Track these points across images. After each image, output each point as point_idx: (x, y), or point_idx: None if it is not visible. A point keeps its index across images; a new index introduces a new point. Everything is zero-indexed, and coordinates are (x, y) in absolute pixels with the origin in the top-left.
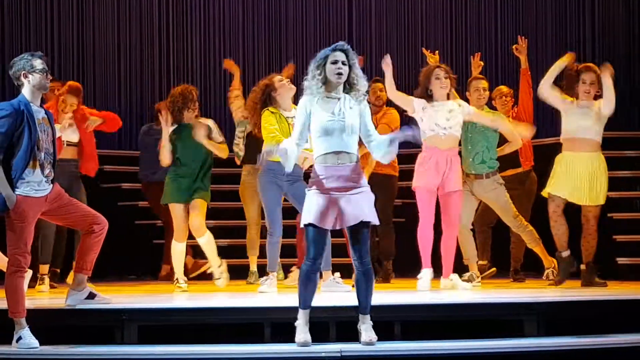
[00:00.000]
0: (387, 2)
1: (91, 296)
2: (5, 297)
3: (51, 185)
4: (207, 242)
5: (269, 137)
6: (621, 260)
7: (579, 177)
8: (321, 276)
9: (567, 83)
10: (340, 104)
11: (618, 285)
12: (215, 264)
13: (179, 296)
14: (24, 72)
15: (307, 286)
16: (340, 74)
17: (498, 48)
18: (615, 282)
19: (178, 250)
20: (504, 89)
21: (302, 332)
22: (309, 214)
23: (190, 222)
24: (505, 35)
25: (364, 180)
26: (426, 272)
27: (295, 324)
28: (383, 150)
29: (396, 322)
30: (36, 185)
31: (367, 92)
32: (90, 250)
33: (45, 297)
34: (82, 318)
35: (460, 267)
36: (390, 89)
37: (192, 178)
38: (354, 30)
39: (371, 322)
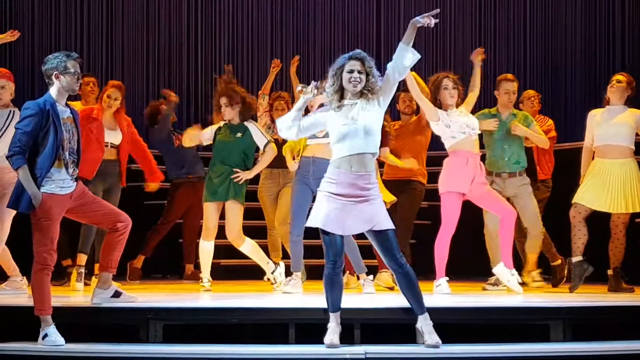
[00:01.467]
0: (415, 8)
1: (117, 294)
2: (31, 295)
3: (75, 183)
4: (250, 251)
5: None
6: None
7: (610, 184)
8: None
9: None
10: (355, 109)
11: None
12: (268, 270)
13: (204, 295)
14: (56, 72)
15: (332, 289)
16: (356, 83)
17: (527, 53)
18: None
19: (205, 249)
20: (530, 92)
21: (332, 333)
22: (316, 217)
23: (227, 234)
24: (534, 40)
25: (376, 189)
26: (443, 281)
27: (327, 326)
28: (403, 55)
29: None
30: (61, 183)
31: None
32: (115, 249)
33: (77, 295)
34: (107, 316)
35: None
36: (417, 92)
37: (227, 178)
38: (382, 32)
39: (431, 322)
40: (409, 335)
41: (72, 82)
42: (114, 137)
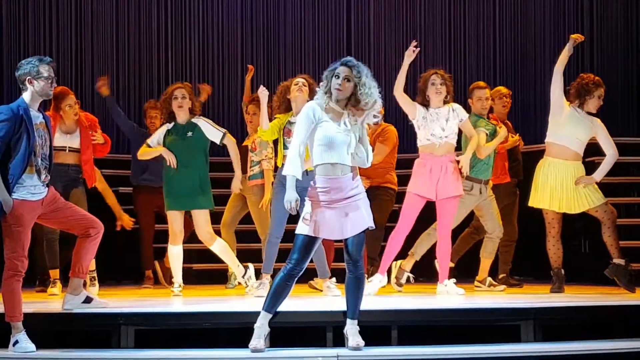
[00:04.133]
0: (385, 10)
1: (88, 300)
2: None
3: (47, 189)
4: (220, 251)
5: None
6: None
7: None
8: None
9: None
10: (345, 117)
11: (616, 290)
12: (239, 273)
13: (176, 300)
14: (29, 77)
15: (282, 290)
16: (338, 89)
17: (497, 53)
18: (612, 288)
19: (175, 254)
20: (502, 89)
21: (258, 336)
22: (305, 224)
23: (199, 236)
24: (504, 40)
25: (361, 185)
26: (377, 277)
27: (255, 326)
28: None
29: (393, 327)
30: (33, 189)
31: (375, 115)
32: (87, 254)
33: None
34: (78, 322)
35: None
36: (399, 87)
37: (192, 183)
38: (352, 36)
39: (358, 327)
40: (382, 336)
41: (45, 86)
42: (73, 140)
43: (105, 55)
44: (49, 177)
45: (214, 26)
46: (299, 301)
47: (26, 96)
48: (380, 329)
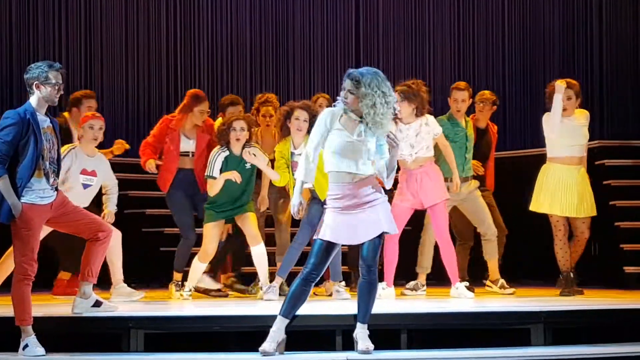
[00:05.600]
0: (394, 12)
1: (97, 304)
2: (12, 305)
3: (56, 192)
4: (262, 254)
5: (279, 170)
6: (628, 269)
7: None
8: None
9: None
10: (362, 127)
11: (625, 294)
12: (264, 282)
13: (186, 304)
14: (37, 82)
15: (300, 295)
16: (344, 102)
17: (505, 59)
18: (622, 291)
19: (199, 269)
20: (486, 93)
21: (270, 340)
22: (325, 230)
23: (247, 232)
24: (512, 44)
25: (380, 191)
26: (386, 290)
27: (270, 330)
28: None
29: (402, 331)
30: (41, 192)
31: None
32: (96, 258)
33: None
34: (88, 326)
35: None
36: None
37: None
38: (361, 39)
39: (367, 331)
40: (391, 340)
41: (52, 93)
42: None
43: (114, 60)
44: (57, 181)
45: (224, 30)
46: (308, 305)
47: (33, 100)
48: (389, 332)
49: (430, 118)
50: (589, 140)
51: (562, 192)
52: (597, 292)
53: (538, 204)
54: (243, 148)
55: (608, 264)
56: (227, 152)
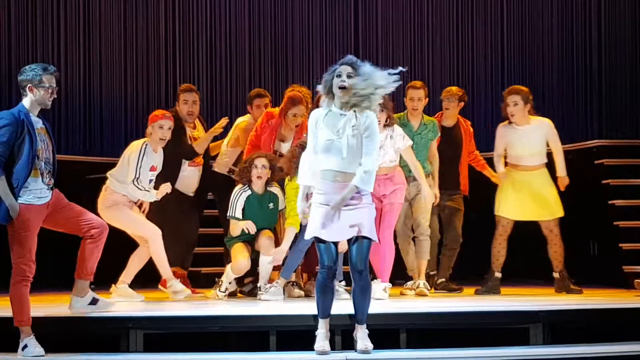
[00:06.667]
0: (393, 10)
1: (94, 301)
2: (10, 306)
3: (51, 192)
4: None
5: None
6: (627, 268)
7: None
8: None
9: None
10: (343, 122)
11: (625, 293)
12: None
13: (184, 304)
14: (30, 84)
15: (325, 295)
16: (342, 87)
17: (504, 58)
18: (621, 290)
19: (231, 276)
20: (453, 89)
21: (322, 340)
22: (313, 227)
23: (261, 242)
24: (512, 45)
25: (367, 197)
26: (381, 286)
27: (316, 332)
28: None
29: (401, 330)
30: (38, 192)
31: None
32: (91, 256)
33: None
34: (87, 326)
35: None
36: None
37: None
38: (360, 37)
39: (367, 331)
40: (390, 340)
41: (45, 96)
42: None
43: (113, 59)
44: (52, 181)
45: (222, 29)
46: (307, 304)
47: (26, 102)
48: (389, 332)
49: (396, 131)
50: (590, 140)
51: (522, 197)
52: (596, 291)
53: (497, 207)
54: (267, 186)
55: (607, 263)
56: (249, 192)
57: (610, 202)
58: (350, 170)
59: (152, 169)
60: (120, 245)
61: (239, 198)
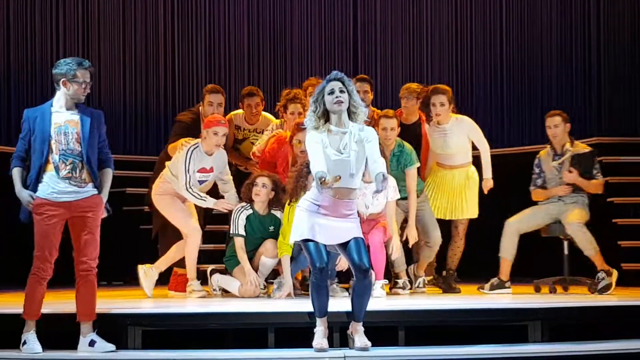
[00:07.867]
0: (391, 11)
1: (92, 344)
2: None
3: (80, 190)
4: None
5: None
6: (626, 265)
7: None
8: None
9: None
10: (346, 139)
11: (623, 290)
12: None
13: (183, 301)
14: (64, 79)
15: (319, 295)
16: (339, 102)
17: (503, 58)
18: (620, 288)
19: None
20: (412, 86)
21: (320, 337)
22: (300, 230)
23: (266, 246)
24: (510, 45)
25: (355, 214)
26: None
27: (315, 330)
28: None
29: (400, 328)
30: (55, 187)
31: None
32: (84, 298)
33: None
34: None
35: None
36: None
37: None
38: (359, 38)
39: (363, 328)
40: (389, 337)
41: (78, 90)
42: None
43: (112, 58)
44: (71, 175)
45: (221, 28)
46: (305, 302)
47: (58, 96)
48: (387, 329)
49: (391, 182)
50: (588, 137)
51: (442, 195)
52: None
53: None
54: (270, 208)
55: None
56: (250, 211)
57: (608, 199)
58: (352, 185)
59: (202, 170)
60: (130, 241)
61: (240, 215)
